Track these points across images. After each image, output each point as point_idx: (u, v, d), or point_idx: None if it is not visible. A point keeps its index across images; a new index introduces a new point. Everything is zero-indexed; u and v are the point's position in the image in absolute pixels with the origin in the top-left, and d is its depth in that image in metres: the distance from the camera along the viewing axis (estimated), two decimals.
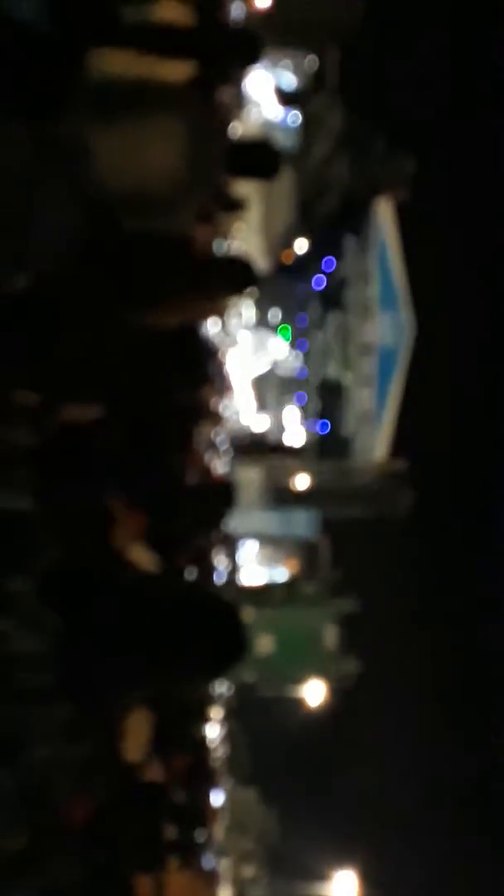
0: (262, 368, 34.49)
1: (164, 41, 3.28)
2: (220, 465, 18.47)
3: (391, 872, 34.99)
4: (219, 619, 2.45)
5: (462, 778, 38.59)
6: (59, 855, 2.69)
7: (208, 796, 14.57)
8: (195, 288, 3.13)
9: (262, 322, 34.41)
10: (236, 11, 22.78)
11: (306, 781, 37.62)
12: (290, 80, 32.92)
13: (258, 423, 34.52)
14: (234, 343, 29.92)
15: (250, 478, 31.17)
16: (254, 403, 34.27)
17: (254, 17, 27.34)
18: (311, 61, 33.66)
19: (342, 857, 33.30)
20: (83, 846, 4.14)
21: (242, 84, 26.96)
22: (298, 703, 33.08)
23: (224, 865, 22.93)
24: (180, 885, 6.50)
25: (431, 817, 39.31)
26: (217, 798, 19.08)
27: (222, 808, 21.85)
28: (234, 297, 3.91)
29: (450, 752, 38.52)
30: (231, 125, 12.15)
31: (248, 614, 27.32)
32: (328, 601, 32.04)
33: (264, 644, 29.68)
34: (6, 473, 3.24)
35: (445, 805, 38.87)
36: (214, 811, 17.28)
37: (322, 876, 32.78)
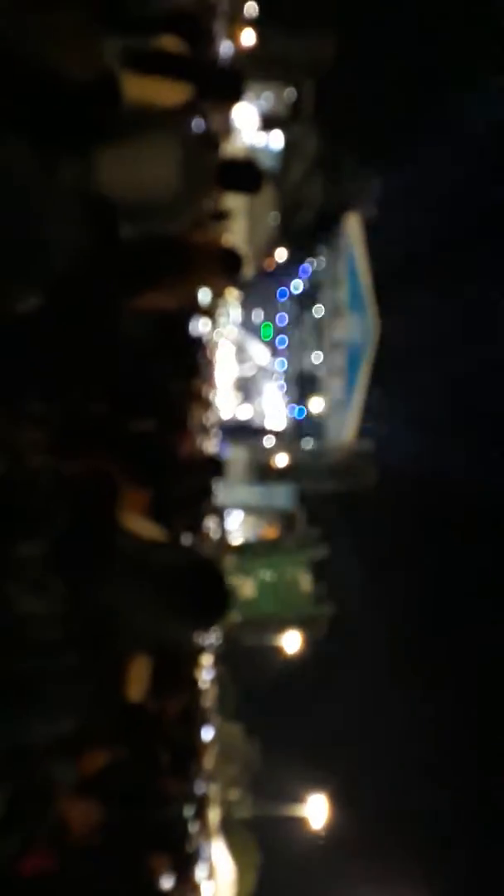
0: (247, 366, 34.49)
1: (162, 64, 3.22)
2: (210, 446, 18.44)
3: (358, 796, 35.34)
4: (206, 582, 2.46)
5: (421, 712, 38.90)
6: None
7: (200, 731, 14.61)
8: (191, 272, 3.08)
9: (246, 321, 34.35)
10: (225, 48, 22.59)
11: (285, 718, 37.85)
12: (271, 110, 32.72)
13: (243, 410, 34.52)
14: (222, 338, 29.83)
15: (237, 456, 31.18)
16: (240, 393, 34.26)
17: (240, 53, 27.11)
18: (289, 93, 33.46)
19: (315, 782, 33.59)
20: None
21: (230, 112, 26.81)
22: (278, 651, 33.24)
23: (213, 790, 23.03)
24: None
25: (393, 748, 39.66)
26: (207, 733, 19.15)
27: (212, 741, 21.94)
28: (226, 279, 3.86)
29: (408, 693, 38.83)
30: (221, 147, 12.05)
31: (230, 562, 27.40)
32: (303, 550, 32.18)
33: (247, 588, 29.83)
34: (23, 470, 3.18)
35: (406, 737, 39.19)
36: (205, 744, 17.34)
37: (298, 798, 33.06)
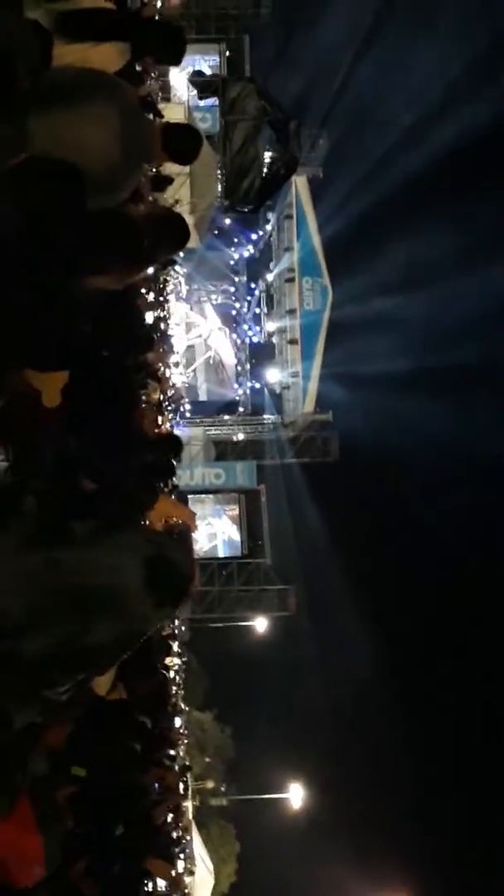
0: (198, 340, 34.33)
1: (97, 26, 3.19)
2: (166, 423, 18.39)
3: (326, 776, 35.78)
4: (159, 565, 2.54)
5: (381, 693, 39.51)
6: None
7: (170, 720, 14.71)
8: (135, 254, 3.08)
9: (194, 293, 34.17)
10: (154, 5, 22.21)
11: (257, 702, 38.15)
12: (206, 69, 32.35)
13: (195, 385, 34.39)
14: (171, 313, 29.66)
15: (193, 434, 31.12)
16: (191, 368, 34.10)
17: (171, 9, 26.68)
18: (225, 50, 33.12)
19: (289, 767, 33.99)
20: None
21: (167, 72, 26.48)
22: (247, 633, 33.40)
23: (186, 780, 23.17)
24: None
25: (358, 728, 40.22)
26: (177, 722, 19.28)
27: (182, 730, 22.07)
28: (171, 251, 3.83)
29: (372, 675, 39.43)
30: (158, 111, 11.96)
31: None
32: None
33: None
34: None
35: (372, 721, 39.77)
36: (175, 733, 17.46)
37: (274, 784, 33.39)
